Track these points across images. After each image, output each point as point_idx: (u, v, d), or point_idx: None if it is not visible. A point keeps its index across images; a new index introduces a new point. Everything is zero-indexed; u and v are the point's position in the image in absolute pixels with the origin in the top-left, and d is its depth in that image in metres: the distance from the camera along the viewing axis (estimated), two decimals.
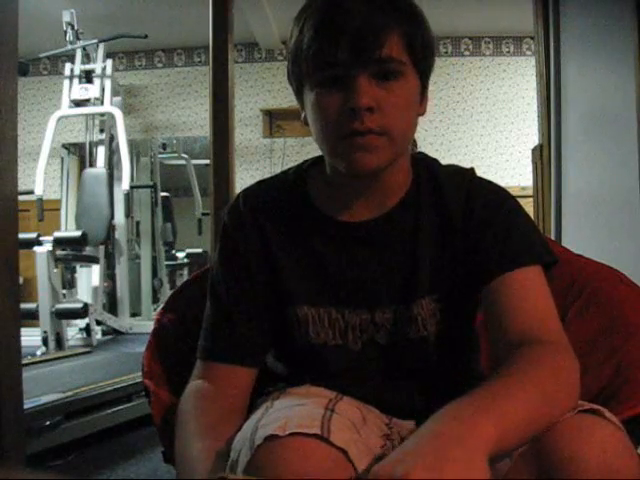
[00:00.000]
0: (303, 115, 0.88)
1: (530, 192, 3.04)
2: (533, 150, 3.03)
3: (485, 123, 5.81)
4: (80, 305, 3.88)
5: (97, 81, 4.64)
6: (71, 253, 4.16)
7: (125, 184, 4.41)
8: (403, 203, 0.89)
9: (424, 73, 0.85)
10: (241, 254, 0.91)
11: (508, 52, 5.90)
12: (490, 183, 0.92)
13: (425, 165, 0.93)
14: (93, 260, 4.43)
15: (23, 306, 3.53)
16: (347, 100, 0.78)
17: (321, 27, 0.79)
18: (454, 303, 0.89)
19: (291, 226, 0.91)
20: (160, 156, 5.66)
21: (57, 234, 3.99)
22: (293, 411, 0.76)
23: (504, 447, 0.64)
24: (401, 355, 0.89)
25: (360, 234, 0.89)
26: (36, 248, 3.82)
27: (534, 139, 3.20)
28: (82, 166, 5.37)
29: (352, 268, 0.89)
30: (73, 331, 4.13)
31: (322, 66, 0.79)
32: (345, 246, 0.89)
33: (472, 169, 0.94)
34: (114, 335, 4.53)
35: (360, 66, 0.78)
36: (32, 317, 3.76)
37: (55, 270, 3.95)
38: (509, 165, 5.72)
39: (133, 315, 5.06)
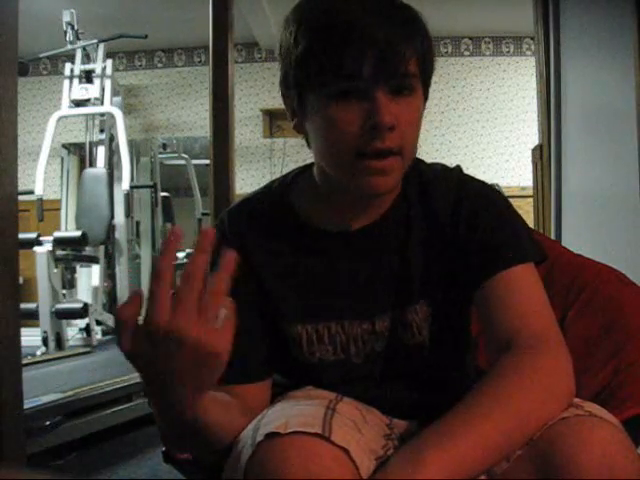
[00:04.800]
0: (295, 122, 0.85)
1: (530, 192, 3.05)
2: (533, 150, 3.03)
3: (485, 123, 5.81)
4: (80, 305, 3.87)
5: (97, 81, 4.63)
6: (71, 253, 4.15)
7: (125, 184, 4.40)
8: (393, 209, 0.88)
9: (428, 86, 0.85)
10: (233, 278, 0.90)
11: (508, 52, 5.90)
12: (477, 182, 0.90)
13: (411, 166, 0.90)
14: (93, 260, 4.43)
15: (23, 306, 3.52)
16: (368, 116, 0.76)
17: (343, 37, 0.74)
18: (446, 306, 0.88)
19: (278, 244, 0.89)
20: (160, 156, 5.65)
21: (57, 234, 3.99)
22: (294, 410, 0.76)
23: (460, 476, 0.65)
24: (397, 361, 0.89)
25: (352, 243, 0.88)
26: (36, 248, 3.81)
27: (534, 139, 3.21)
28: (82, 166, 5.36)
29: (345, 278, 0.88)
30: (73, 331, 4.12)
31: (341, 78, 0.76)
32: (337, 257, 0.88)
33: (458, 167, 0.92)
34: (114, 335, 4.51)
35: (382, 81, 0.76)
36: (32, 317, 3.76)
37: (55, 270, 3.94)
38: (509, 165, 5.72)
39: None
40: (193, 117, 6.07)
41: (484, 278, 0.82)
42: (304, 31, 0.78)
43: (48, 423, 2.06)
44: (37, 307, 3.78)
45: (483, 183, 0.91)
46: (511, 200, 0.91)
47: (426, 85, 0.84)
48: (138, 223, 5.24)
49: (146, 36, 4.73)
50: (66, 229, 5.25)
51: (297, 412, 0.74)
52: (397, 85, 0.77)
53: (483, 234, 0.84)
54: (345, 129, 0.77)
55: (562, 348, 0.77)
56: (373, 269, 0.88)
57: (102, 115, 4.79)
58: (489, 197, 0.88)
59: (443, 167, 0.92)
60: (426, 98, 0.85)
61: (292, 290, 0.88)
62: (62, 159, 5.82)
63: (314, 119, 0.80)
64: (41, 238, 3.86)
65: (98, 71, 4.66)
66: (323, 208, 0.88)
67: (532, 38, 3.70)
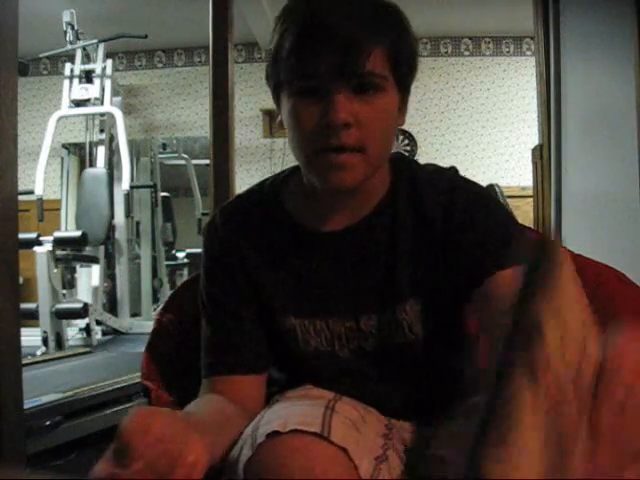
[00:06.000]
0: (279, 119, 0.87)
1: (530, 192, 3.04)
2: (533, 150, 3.03)
3: (485, 123, 5.81)
4: (80, 305, 3.87)
5: (97, 81, 4.63)
6: (71, 253, 4.15)
7: (125, 184, 4.41)
8: (380, 208, 0.89)
9: (405, 87, 0.84)
10: (224, 271, 0.91)
11: (508, 52, 5.90)
12: (470, 183, 0.90)
13: (403, 167, 0.91)
14: (93, 260, 4.43)
15: (23, 306, 3.52)
16: (324, 114, 0.77)
17: (303, 37, 0.77)
18: (438, 305, 0.88)
19: (269, 241, 0.90)
20: (160, 156, 5.65)
21: (57, 234, 3.99)
22: (293, 409, 0.76)
23: None
24: (390, 360, 0.89)
25: (338, 243, 0.88)
26: (36, 248, 3.81)
27: (534, 139, 3.20)
28: (82, 166, 5.36)
29: (332, 277, 0.88)
30: (73, 331, 4.12)
31: (301, 76, 0.78)
32: (324, 256, 0.89)
33: (453, 168, 0.92)
34: (114, 335, 4.53)
35: (340, 81, 0.77)
36: (32, 317, 3.76)
37: (55, 270, 3.94)
38: (509, 165, 5.72)
39: (133, 315, 5.05)
40: (193, 117, 6.07)
41: (481, 279, 0.82)
42: (278, 29, 0.81)
43: (48, 423, 2.06)
44: (37, 307, 3.78)
45: (476, 184, 0.91)
46: (511, 200, 0.92)
47: (401, 83, 0.83)
48: (138, 223, 5.24)
49: (146, 36, 4.74)
50: (66, 229, 5.25)
51: (296, 411, 0.75)
52: (360, 83, 0.78)
53: (478, 235, 0.84)
54: (303, 126, 0.80)
55: None
56: (360, 268, 0.88)
57: (102, 115, 4.79)
58: (482, 198, 0.89)
59: (436, 168, 0.92)
60: (404, 98, 0.85)
61: (283, 286, 0.89)
62: (62, 159, 5.83)
63: (284, 116, 0.84)
64: (41, 238, 3.86)
65: (98, 71, 4.67)
66: (311, 208, 0.89)
67: (532, 38, 3.70)
